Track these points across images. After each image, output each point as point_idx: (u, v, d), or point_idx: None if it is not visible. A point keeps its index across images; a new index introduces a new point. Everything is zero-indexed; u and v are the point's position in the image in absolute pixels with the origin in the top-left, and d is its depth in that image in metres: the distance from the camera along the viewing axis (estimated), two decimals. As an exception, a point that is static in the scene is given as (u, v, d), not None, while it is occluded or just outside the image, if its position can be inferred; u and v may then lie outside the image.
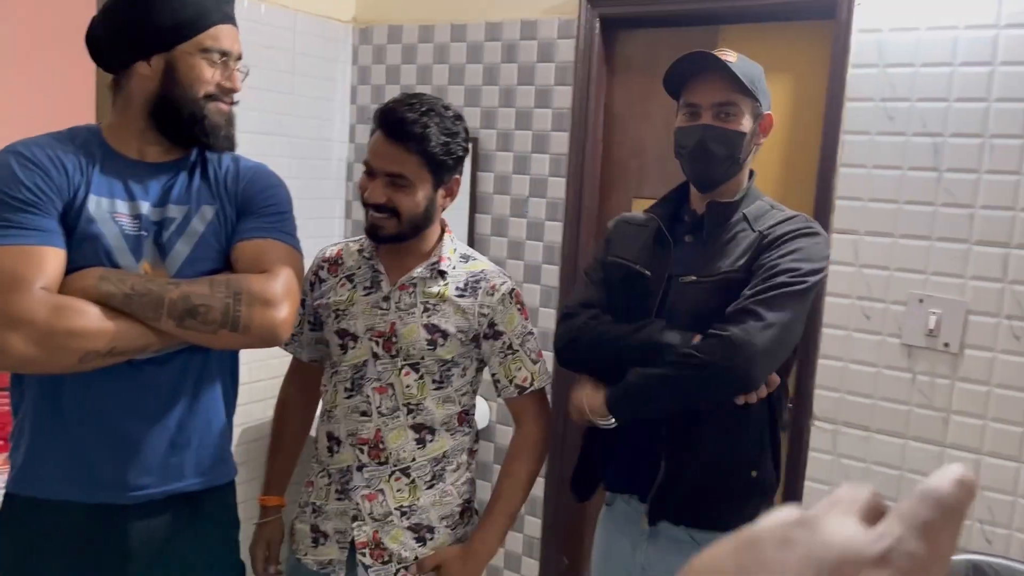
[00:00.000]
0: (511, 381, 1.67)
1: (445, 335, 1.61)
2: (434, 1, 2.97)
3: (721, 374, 1.45)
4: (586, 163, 2.71)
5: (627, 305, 1.64)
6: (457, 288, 1.64)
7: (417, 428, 1.64)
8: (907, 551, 0.29)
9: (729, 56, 1.57)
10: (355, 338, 1.64)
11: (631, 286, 1.65)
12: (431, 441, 1.66)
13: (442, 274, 1.64)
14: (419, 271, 1.64)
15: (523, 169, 2.82)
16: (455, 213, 2.94)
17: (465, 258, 1.70)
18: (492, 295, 1.65)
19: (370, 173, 1.59)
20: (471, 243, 2.93)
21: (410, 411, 1.63)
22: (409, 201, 1.58)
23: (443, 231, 1.70)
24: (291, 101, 2.94)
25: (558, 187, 2.76)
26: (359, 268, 1.68)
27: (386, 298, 1.63)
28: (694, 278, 1.57)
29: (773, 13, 2.42)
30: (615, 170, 2.78)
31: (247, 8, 2.75)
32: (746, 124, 1.58)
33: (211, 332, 1.33)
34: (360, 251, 1.70)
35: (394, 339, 1.61)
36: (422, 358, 1.61)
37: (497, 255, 2.89)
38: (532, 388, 1.69)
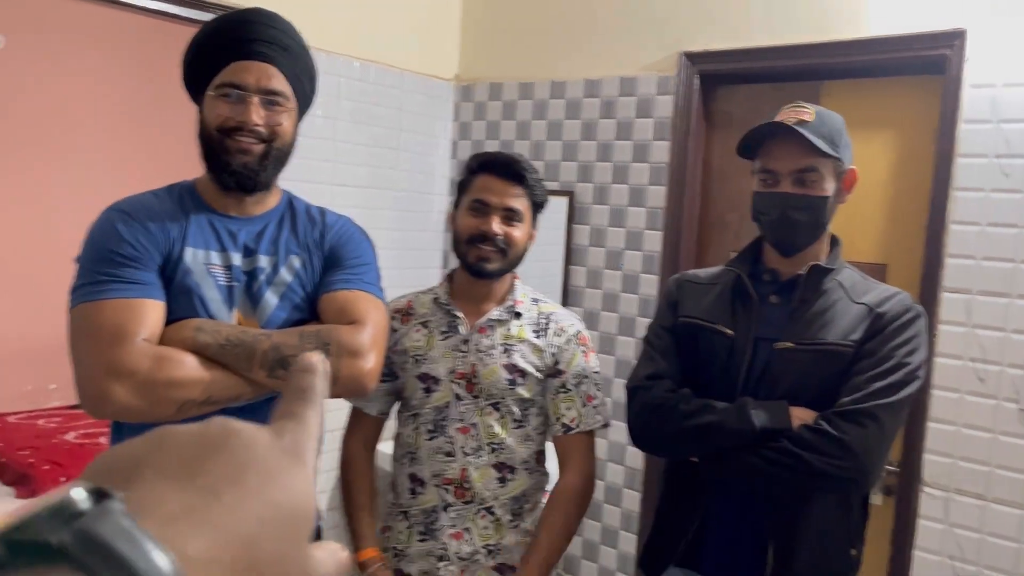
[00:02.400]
0: (558, 419, 1.70)
1: (524, 374, 1.67)
2: (535, 59, 3.06)
3: (832, 479, 1.39)
4: (683, 216, 2.71)
5: (707, 371, 1.55)
6: (532, 329, 1.71)
7: (499, 467, 1.68)
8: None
9: (805, 113, 1.50)
10: (437, 381, 1.69)
11: (710, 349, 1.55)
12: (511, 480, 1.69)
13: (518, 315, 1.71)
14: (496, 313, 1.71)
15: (619, 222, 2.85)
16: (549, 265, 2.98)
17: (535, 300, 1.77)
18: (560, 336, 1.72)
19: (480, 210, 1.67)
20: (565, 294, 2.96)
21: (493, 450, 1.67)
22: (520, 236, 1.69)
23: (513, 276, 1.77)
24: (396, 156, 3.07)
25: (654, 240, 2.76)
26: (434, 315, 1.74)
27: (465, 341, 1.69)
28: (791, 345, 1.48)
29: (877, 69, 2.39)
30: (713, 224, 2.77)
31: (359, 70, 2.91)
32: (828, 187, 1.51)
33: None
34: (435, 299, 1.76)
35: (475, 380, 1.66)
36: (503, 397, 1.66)
37: (591, 307, 2.91)
38: (577, 430, 1.69)
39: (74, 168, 2.75)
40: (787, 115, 1.52)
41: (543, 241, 3.10)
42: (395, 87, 3.06)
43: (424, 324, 1.75)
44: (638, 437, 1.58)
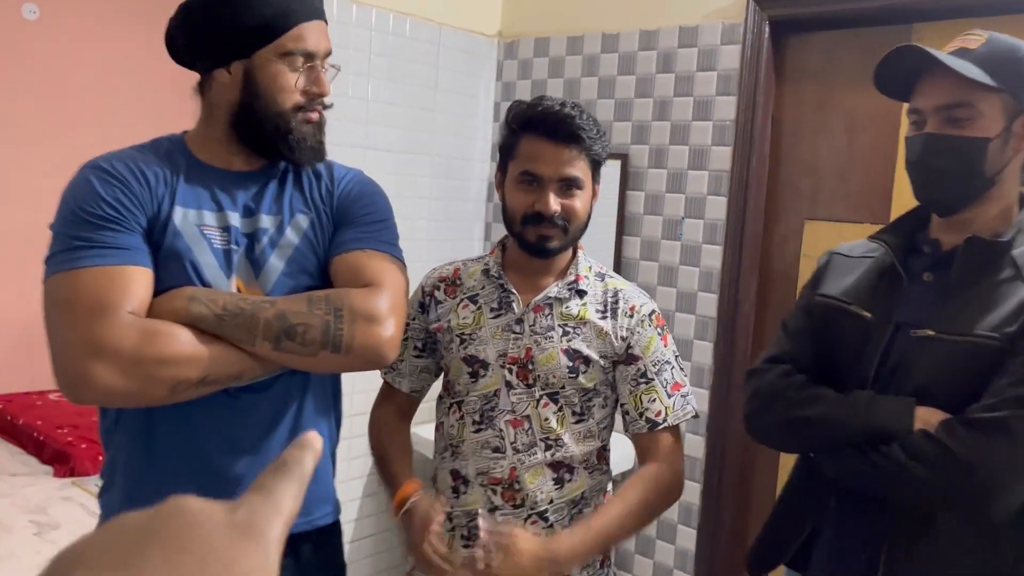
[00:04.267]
0: (641, 414, 1.48)
1: (588, 361, 1.45)
2: (584, 10, 2.80)
3: (942, 497, 1.18)
4: (750, 180, 2.44)
5: (839, 358, 1.34)
6: (597, 309, 1.49)
7: (555, 466, 1.46)
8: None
9: (971, 40, 1.23)
10: (485, 365, 1.48)
11: (844, 333, 1.34)
12: (570, 481, 1.47)
13: (580, 293, 1.49)
14: (556, 290, 1.48)
15: (678, 187, 2.59)
16: (601, 235, 2.73)
17: (601, 276, 1.54)
18: (631, 316, 1.49)
19: (532, 183, 1.43)
20: (617, 268, 2.71)
21: (548, 447, 1.46)
22: (582, 206, 1.45)
23: (576, 247, 1.53)
24: (433, 119, 2.84)
25: (718, 207, 2.50)
26: (483, 288, 1.52)
27: (519, 320, 1.47)
28: (932, 333, 1.23)
29: (979, 7, 2.08)
30: (784, 189, 2.49)
31: (393, 23, 2.68)
32: (991, 127, 1.22)
33: (311, 354, 1.19)
34: (485, 271, 1.53)
35: (531, 366, 1.45)
36: (562, 387, 1.45)
37: (647, 281, 2.66)
38: (665, 424, 1.47)
39: (111, 138, 2.57)
40: (951, 44, 1.26)
41: (593, 210, 2.87)
42: (432, 43, 2.82)
43: (472, 299, 1.53)
44: (747, 426, 1.42)
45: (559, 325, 1.47)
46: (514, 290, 1.49)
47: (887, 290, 1.31)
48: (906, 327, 1.26)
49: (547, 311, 1.48)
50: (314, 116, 1.29)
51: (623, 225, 2.71)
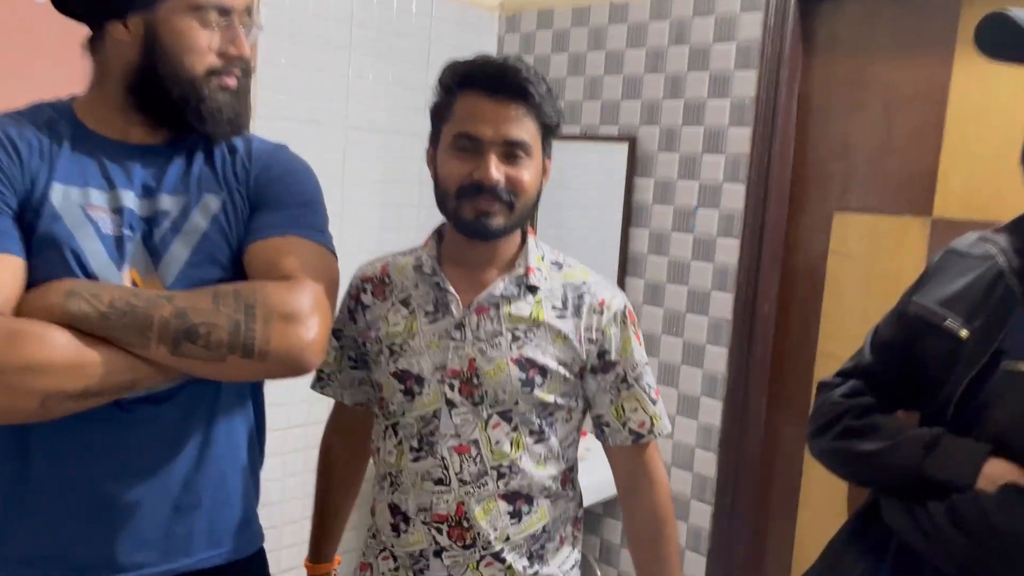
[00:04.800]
0: (624, 424, 1.29)
1: (544, 371, 1.23)
2: (590, -24, 2.53)
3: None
4: (772, 166, 2.17)
5: (923, 380, 1.10)
6: (554, 307, 1.26)
7: (511, 497, 1.25)
8: None
9: None
10: (420, 381, 1.25)
11: (933, 351, 1.09)
12: (528, 513, 1.25)
13: (531, 290, 1.26)
14: (501, 287, 1.25)
15: (691, 173, 2.32)
16: (604, 227, 2.48)
17: (557, 266, 1.31)
18: (600, 313, 1.27)
19: (469, 149, 1.19)
20: (624, 263, 2.45)
21: (501, 475, 1.24)
22: (530, 178, 1.21)
23: (525, 232, 1.31)
24: (423, 98, 2.59)
25: (735, 196, 2.23)
26: (416, 288, 1.29)
27: (459, 326, 1.24)
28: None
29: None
30: (811, 175, 2.21)
31: (377, -10, 2.44)
32: None
33: (217, 359, 1.02)
34: (417, 267, 1.30)
35: (476, 380, 1.23)
36: (515, 404, 1.23)
37: (655, 278, 2.39)
38: (650, 436, 1.29)
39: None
40: None
41: (597, 199, 2.64)
42: (424, 15, 2.58)
43: (404, 302, 1.29)
44: (809, 445, 1.22)
45: (507, 330, 1.24)
46: (451, 289, 1.25)
47: (996, 307, 1.04)
48: (1003, 357, 1.00)
49: (492, 313, 1.24)
50: (231, 82, 1.12)
51: (630, 216, 2.45)
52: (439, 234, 1.32)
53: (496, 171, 1.18)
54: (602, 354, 1.26)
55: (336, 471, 1.47)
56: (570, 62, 2.60)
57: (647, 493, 1.31)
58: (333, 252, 1.16)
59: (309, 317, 1.05)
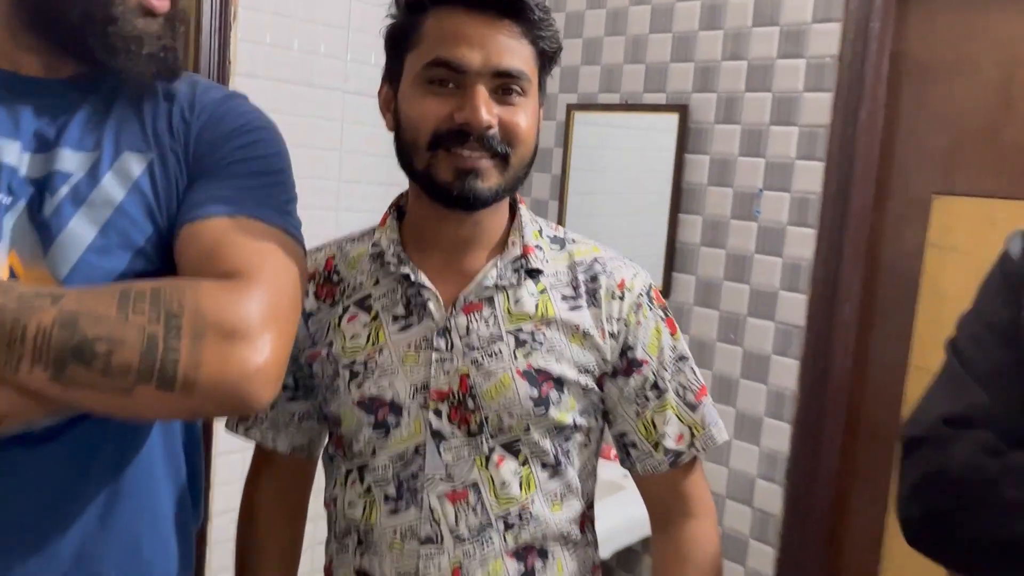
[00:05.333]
0: (656, 444, 0.99)
1: (560, 384, 0.94)
2: (634, -83, 2.15)
3: None
4: (858, 139, 1.80)
5: None
6: (564, 296, 0.97)
7: (521, 554, 0.96)
8: None
9: None
10: (397, 409, 0.95)
11: None
12: (543, 570, 0.97)
13: (533, 275, 0.97)
14: (495, 274, 0.95)
15: (756, 150, 1.95)
16: (647, 213, 2.11)
17: (559, 241, 1.02)
18: (621, 298, 0.98)
19: (447, 81, 0.89)
20: (671, 255, 2.08)
21: (509, 526, 0.95)
22: (528, 125, 0.91)
23: (515, 201, 1.01)
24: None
25: (810, 176, 1.86)
26: (376, 284, 0.98)
27: (443, 332, 0.94)
28: None
29: None
30: (905, 151, 1.83)
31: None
32: None
33: (119, 390, 0.72)
34: (376, 255, 0.98)
35: (471, 403, 0.93)
36: (525, 430, 0.94)
37: (710, 274, 2.02)
38: (693, 451, 0.99)
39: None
40: None
41: (639, 181, 2.25)
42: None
43: (362, 304, 0.97)
44: (913, 530, 0.84)
45: (508, 332, 0.94)
46: (427, 282, 0.94)
47: None
48: None
49: (486, 311, 0.95)
50: (160, 4, 0.84)
51: (679, 200, 2.08)
52: (399, 209, 0.99)
53: (487, 112, 0.86)
54: (625, 351, 0.97)
55: (265, 545, 1.08)
56: (608, 19, 2.22)
57: (687, 528, 1.01)
58: (300, 241, 0.86)
59: (259, 333, 0.77)
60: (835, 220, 1.83)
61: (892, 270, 1.85)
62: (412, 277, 0.93)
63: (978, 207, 1.72)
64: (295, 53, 1.95)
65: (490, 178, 0.88)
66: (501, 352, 0.93)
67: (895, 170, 1.84)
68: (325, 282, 0.99)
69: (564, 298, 0.96)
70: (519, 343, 0.93)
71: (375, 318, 0.95)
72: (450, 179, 0.88)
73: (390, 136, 0.97)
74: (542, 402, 0.92)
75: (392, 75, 0.93)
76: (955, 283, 1.76)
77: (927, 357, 1.79)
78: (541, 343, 0.93)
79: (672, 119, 2.06)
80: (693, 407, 0.99)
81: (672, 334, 1.00)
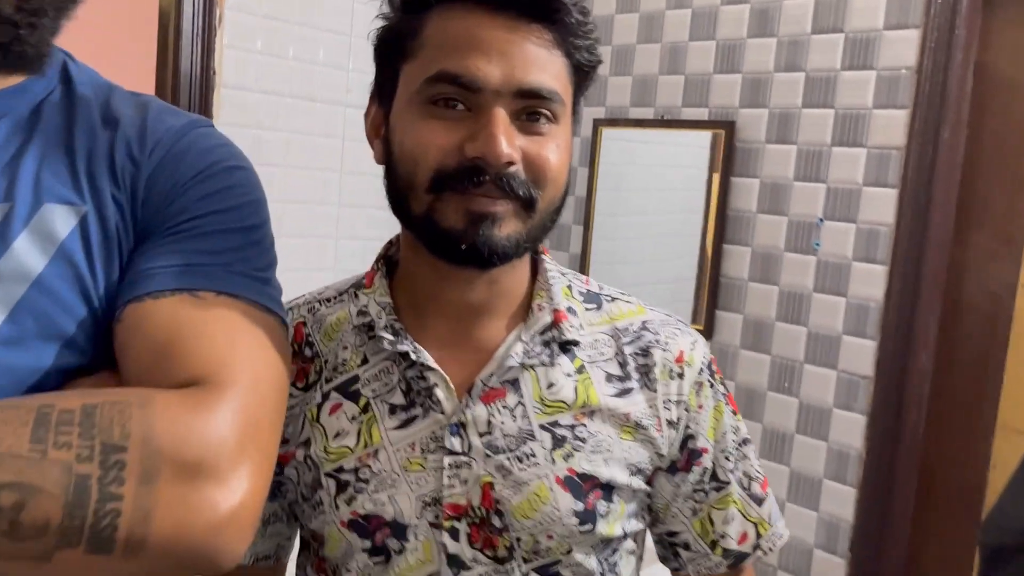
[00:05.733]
0: (714, 544, 0.82)
1: (609, 491, 0.75)
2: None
3: None
4: (938, 163, 1.57)
5: None
6: (609, 375, 0.77)
7: None
8: None
9: None
10: (401, 531, 0.74)
11: None
12: None
13: (566, 348, 0.76)
14: (520, 350, 0.75)
15: (814, 173, 1.72)
16: (684, 240, 1.88)
17: (594, 299, 0.82)
18: (680, 375, 0.79)
19: (457, 99, 0.69)
20: (714, 292, 1.84)
21: None
22: (561, 159, 0.71)
23: (537, 252, 0.82)
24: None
25: (881, 205, 1.64)
26: (364, 362, 0.77)
27: (457, 427, 0.73)
28: None
29: None
30: (992, 177, 1.60)
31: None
32: None
33: (32, 557, 0.52)
34: (365, 325, 0.77)
35: (498, 521, 0.73)
36: (567, 552, 0.75)
37: (760, 314, 1.78)
38: (759, 552, 0.83)
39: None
40: None
41: (675, 205, 2.01)
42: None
43: (346, 389, 0.76)
44: None
45: (543, 426, 0.74)
46: (432, 362, 0.73)
47: None
48: None
49: (511, 398, 0.74)
50: None
51: (724, 228, 1.84)
52: (387, 260, 0.80)
53: (508, 143, 0.66)
54: (686, 441, 0.79)
55: None
56: (641, 25, 1.98)
57: None
58: (283, 320, 0.66)
59: (233, 465, 0.57)
60: (910, 255, 1.60)
61: (976, 313, 1.61)
62: (413, 356, 0.72)
63: (1082, 244, 1.49)
64: (290, 62, 1.71)
65: (509, 225, 0.68)
66: (534, 454, 0.73)
67: (980, 198, 1.60)
68: (295, 357, 0.77)
69: (609, 378, 0.76)
70: (557, 441, 0.73)
71: (365, 410, 0.74)
72: (459, 226, 0.67)
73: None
74: (588, 517, 0.73)
75: (383, 92, 0.73)
76: (1052, 330, 1.52)
77: (1018, 416, 1.56)
78: (584, 440, 0.74)
79: (711, 137, 1.83)
80: (759, 501, 0.83)
81: (734, 413, 0.84)
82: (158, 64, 1.61)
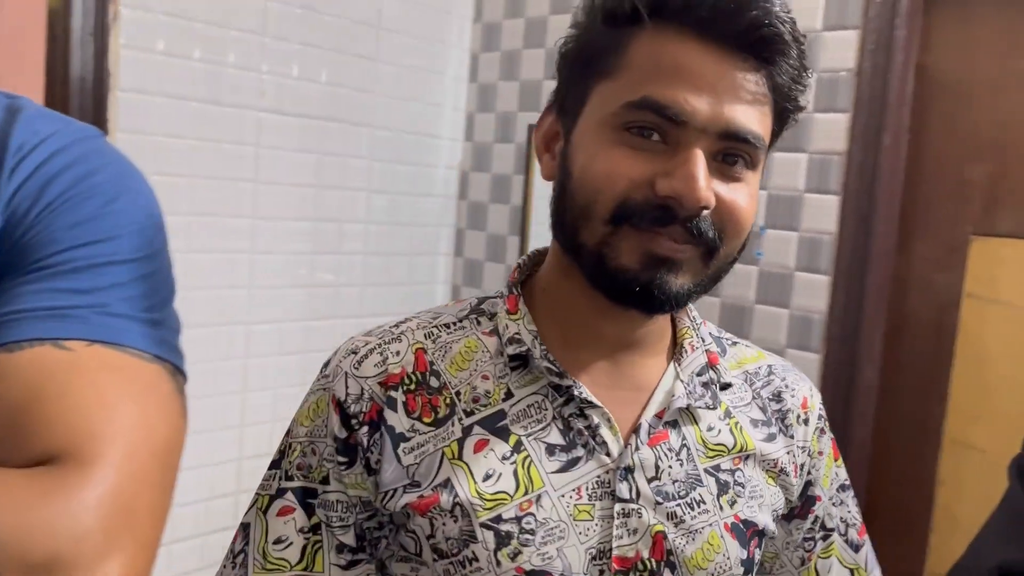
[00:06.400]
0: None
1: (762, 538, 0.75)
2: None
3: None
4: (880, 169, 1.52)
5: None
6: (753, 420, 0.77)
7: None
8: None
9: None
10: None
11: None
12: None
13: (722, 389, 0.76)
14: (682, 390, 0.72)
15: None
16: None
17: (719, 342, 0.81)
18: (806, 422, 0.79)
19: (655, 131, 0.63)
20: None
21: None
22: (749, 208, 0.67)
23: None
24: (373, 72, 1.90)
25: (823, 212, 1.58)
26: (507, 395, 0.71)
27: (626, 472, 0.69)
28: None
29: None
30: (936, 184, 1.55)
31: (305, -85, 1.73)
32: None
33: None
34: (515, 356, 0.71)
35: (669, 573, 0.70)
36: None
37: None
38: None
39: None
40: None
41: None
42: (373, -44, 1.88)
43: (492, 424, 0.69)
44: None
45: (707, 471, 0.72)
46: (594, 399, 0.69)
47: None
48: None
49: (674, 441, 0.72)
50: None
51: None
52: (523, 285, 0.76)
53: (707, 186, 0.62)
54: (807, 488, 0.80)
55: None
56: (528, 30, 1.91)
57: None
58: (179, 370, 0.57)
59: (98, 559, 0.48)
60: (853, 265, 1.54)
61: (922, 325, 1.56)
62: (575, 392, 0.68)
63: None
64: (196, 64, 1.59)
65: (687, 273, 0.65)
66: (703, 500, 0.71)
67: (924, 206, 1.55)
68: (419, 388, 0.70)
69: (754, 423, 0.76)
70: (721, 487, 0.72)
71: (517, 449, 0.68)
72: (633, 266, 0.64)
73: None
74: (750, 565, 0.73)
75: (567, 105, 0.69)
76: (998, 340, 1.47)
77: (965, 429, 1.51)
78: (743, 486, 0.73)
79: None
80: (856, 547, 0.83)
81: (836, 459, 0.84)
82: (47, 67, 1.48)
